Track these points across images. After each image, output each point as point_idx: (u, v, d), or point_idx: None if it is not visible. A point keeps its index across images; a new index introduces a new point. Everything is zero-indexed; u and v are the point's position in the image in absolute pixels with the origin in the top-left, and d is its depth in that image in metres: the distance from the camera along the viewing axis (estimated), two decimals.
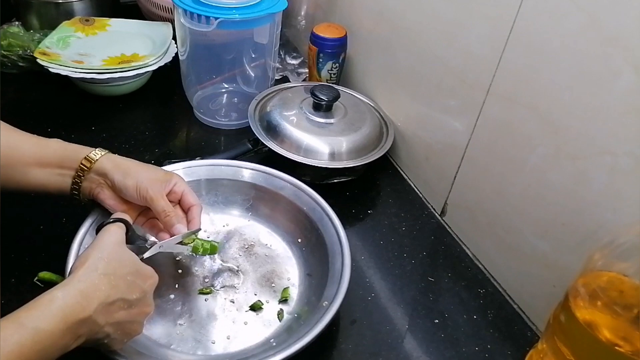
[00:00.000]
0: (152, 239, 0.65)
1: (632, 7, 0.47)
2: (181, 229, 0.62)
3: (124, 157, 0.63)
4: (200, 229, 0.64)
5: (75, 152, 0.61)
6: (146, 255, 0.58)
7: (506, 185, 0.67)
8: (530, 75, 0.60)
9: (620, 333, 0.45)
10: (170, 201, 0.63)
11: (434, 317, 0.66)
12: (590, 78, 0.53)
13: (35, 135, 0.61)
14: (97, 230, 0.56)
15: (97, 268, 0.50)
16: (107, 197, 0.62)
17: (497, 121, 0.66)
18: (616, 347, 0.45)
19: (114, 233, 0.54)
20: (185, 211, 0.65)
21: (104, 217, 0.64)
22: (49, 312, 0.45)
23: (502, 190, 0.67)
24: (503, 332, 0.65)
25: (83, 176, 0.60)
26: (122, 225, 0.56)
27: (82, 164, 0.60)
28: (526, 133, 0.62)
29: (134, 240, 0.59)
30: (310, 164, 0.78)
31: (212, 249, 0.65)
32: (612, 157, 0.53)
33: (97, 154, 0.61)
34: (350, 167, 0.79)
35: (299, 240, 0.71)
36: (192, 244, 0.63)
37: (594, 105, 0.53)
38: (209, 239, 0.67)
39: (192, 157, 0.78)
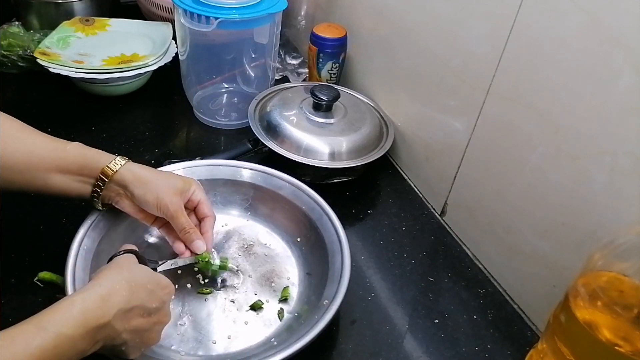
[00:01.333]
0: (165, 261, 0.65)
1: (632, 7, 0.47)
2: (200, 245, 0.63)
3: (143, 167, 0.63)
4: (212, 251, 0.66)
5: (95, 160, 0.61)
6: (160, 269, 0.60)
7: (506, 185, 0.67)
8: (530, 74, 0.60)
9: (621, 333, 0.45)
10: (185, 208, 0.64)
11: (434, 317, 0.66)
12: (590, 78, 0.53)
13: (54, 138, 0.61)
14: (109, 261, 0.57)
15: (119, 274, 0.51)
16: (125, 206, 0.63)
17: (497, 121, 0.66)
18: (616, 347, 0.45)
19: (127, 259, 0.55)
20: (199, 220, 0.66)
21: (104, 218, 0.64)
22: (70, 316, 0.45)
23: (502, 190, 0.67)
24: (503, 332, 0.65)
25: (103, 186, 0.60)
26: (132, 256, 0.57)
27: (101, 174, 0.60)
28: (526, 133, 0.62)
29: (144, 264, 0.60)
30: (310, 164, 0.78)
31: (222, 268, 0.66)
32: (612, 157, 0.53)
33: (116, 164, 0.60)
34: (350, 167, 0.79)
35: (298, 239, 0.71)
36: (204, 267, 0.65)
37: (594, 105, 0.53)
38: (218, 258, 0.67)
39: (192, 157, 0.78)
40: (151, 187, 0.61)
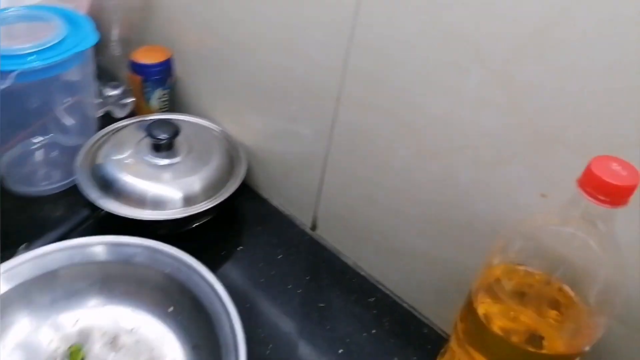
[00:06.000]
0: None
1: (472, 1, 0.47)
2: None
3: None
4: None
5: None
6: None
7: (374, 189, 0.65)
8: (379, 79, 0.58)
9: (510, 316, 0.45)
10: None
11: (337, 348, 0.63)
12: (439, 76, 0.52)
13: None
14: None
15: None
16: None
17: (355, 128, 0.64)
18: (512, 338, 0.45)
19: None
20: None
21: None
22: None
23: (371, 194, 0.66)
24: (402, 337, 0.65)
25: None
26: None
27: None
28: (385, 136, 0.61)
29: None
30: (162, 218, 0.68)
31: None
32: (473, 150, 0.53)
33: None
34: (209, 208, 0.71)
35: (170, 309, 0.61)
36: None
37: (448, 102, 0.53)
38: None
39: (14, 248, 0.62)
40: None
